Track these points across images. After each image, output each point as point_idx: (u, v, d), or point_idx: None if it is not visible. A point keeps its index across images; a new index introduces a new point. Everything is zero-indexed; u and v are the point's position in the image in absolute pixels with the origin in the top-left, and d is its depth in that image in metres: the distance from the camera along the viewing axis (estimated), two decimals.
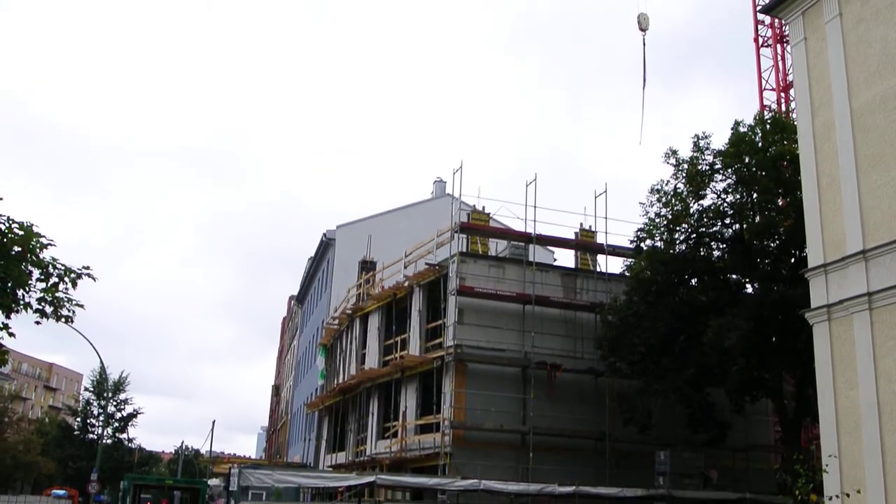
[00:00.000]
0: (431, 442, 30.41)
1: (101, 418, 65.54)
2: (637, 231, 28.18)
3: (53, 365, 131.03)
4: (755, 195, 25.88)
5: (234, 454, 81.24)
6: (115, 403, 69.95)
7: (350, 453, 39.82)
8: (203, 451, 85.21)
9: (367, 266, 43.76)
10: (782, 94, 43.37)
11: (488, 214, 34.52)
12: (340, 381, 41.80)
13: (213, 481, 46.20)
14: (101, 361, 54.57)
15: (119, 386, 70.59)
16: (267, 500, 31.98)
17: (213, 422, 63.72)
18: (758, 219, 25.56)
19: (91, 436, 70.25)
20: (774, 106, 42.56)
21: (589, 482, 27.40)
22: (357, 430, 39.66)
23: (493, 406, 29.64)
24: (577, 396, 30.96)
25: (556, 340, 31.40)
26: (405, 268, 36.85)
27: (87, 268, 13.45)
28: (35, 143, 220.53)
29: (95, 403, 70.74)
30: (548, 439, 29.65)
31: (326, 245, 55.31)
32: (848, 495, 14.05)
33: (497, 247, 37.20)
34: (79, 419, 73.84)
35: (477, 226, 33.60)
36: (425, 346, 33.39)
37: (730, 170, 26.09)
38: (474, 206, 35.21)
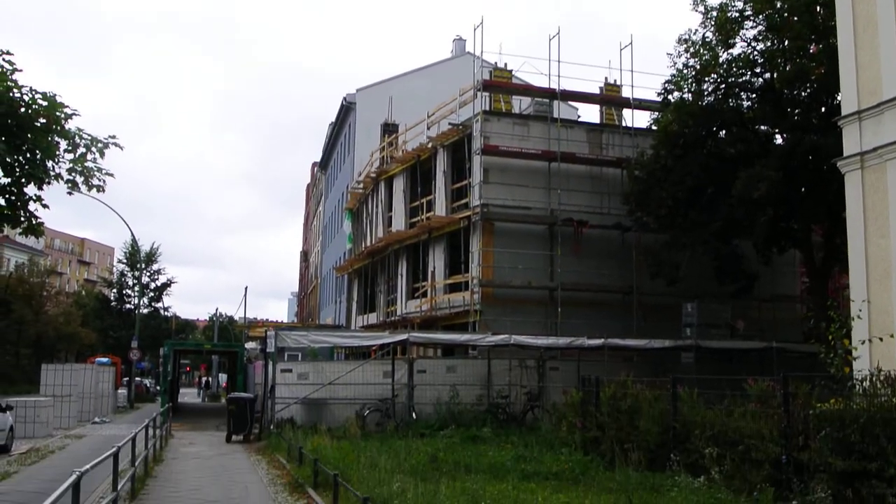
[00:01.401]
0: (461, 300, 30.91)
1: (136, 289, 66.84)
2: (664, 83, 27.70)
3: (85, 240, 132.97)
4: (786, 42, 25.13)
5: (267, 319, 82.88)
6: (148, 274, 71.12)
7: (381, 314, 40.61)
8: (237, 317, 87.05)
9: (389, 129, 43.55)
10: None
11: (511, 71, 34.00)
12: (368, 244, 42.26)
13: (249, 345, 47.47)
14: (132, 233, 55.33)
15: (151, 257, 71.53)
16: (302, 360, 32.84)
17: (246, 288, 65.23)
18: (788, 67, 24.85)
19: (128, 306, 71.70)
20: None
21: (617, 335, 27.87)
22: (387, 292, 40.32)
23: (520, 264, 29.93)
24: (605, 252, 31.13)
25: (582, 197, 31.38)
26: (428, 129, 36.66)
27: (114, 137, 13.47)
28: (39, 16, 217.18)
29: (129, 275, 71.95)
30: (575, 295, 30.00)
31: (347, 109, 54.81)
32: (881, 339, 14.21)
33: (521, 104, 36.84)
34: (114, 290, 75.34)
35: (499, 83, 33.09)
36: (451, 207, 33.55)
37: (761, 16, 25.27)
38: (496, 63, 34.67)
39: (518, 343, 26.58)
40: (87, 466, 8.80)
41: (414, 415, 25.36)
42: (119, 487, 11.63)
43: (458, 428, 23.17)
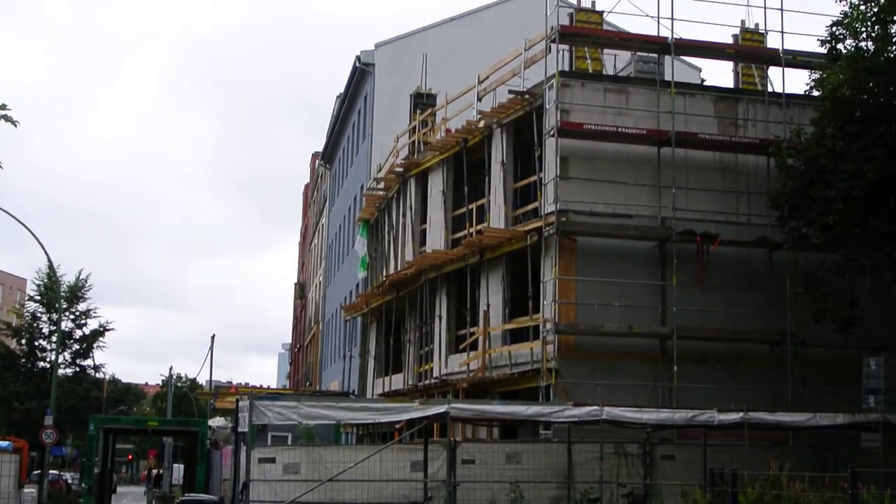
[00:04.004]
0: (528, 354, 30.63)
1: (53, 338, 67.28)
2: (830, 27, 27.27)
3: None
4: None
5: (247, 384, 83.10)
6: (72, 317, 71.53)
7: (410, 375, 40.42)
8: (202, 381, 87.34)
9: (422, 101, 43.58)
10: None
11: (601, 13, 33.74)
12: (391, 271, 42.20)
13: (216, 421, 47.59)
14: (48, 257, 55.59)
15: (76, 292, 71.94)
16: (293, 444, 32.60)
17: (213, 337, 64.59)
18: None
19: (43, 363, 72.28)
20: None
21: (763, 406, 27.23)
22: (419, 342, 40.11)
23: (616, 299, 29.51)
24: (743, 280, 30.61)
25: (708, 198, 30.97)
26: (479, 100, 36.59)
27: (4, 107, 13.20)
28: None
29: (45, 318, 72.53)
30: (699, 345, 29.64)
31: (361, 74, 55.07)
32: None
33: (615, 62, 36.58)
34: (24, 342, 75.88)
35: (584, 30, 32.78)
36: (513, 216, 33.38)
37: None
38: (578, 2, 34.39)
39: (613, 419, 25.98)
40: None
41: None
42: None
43: None
